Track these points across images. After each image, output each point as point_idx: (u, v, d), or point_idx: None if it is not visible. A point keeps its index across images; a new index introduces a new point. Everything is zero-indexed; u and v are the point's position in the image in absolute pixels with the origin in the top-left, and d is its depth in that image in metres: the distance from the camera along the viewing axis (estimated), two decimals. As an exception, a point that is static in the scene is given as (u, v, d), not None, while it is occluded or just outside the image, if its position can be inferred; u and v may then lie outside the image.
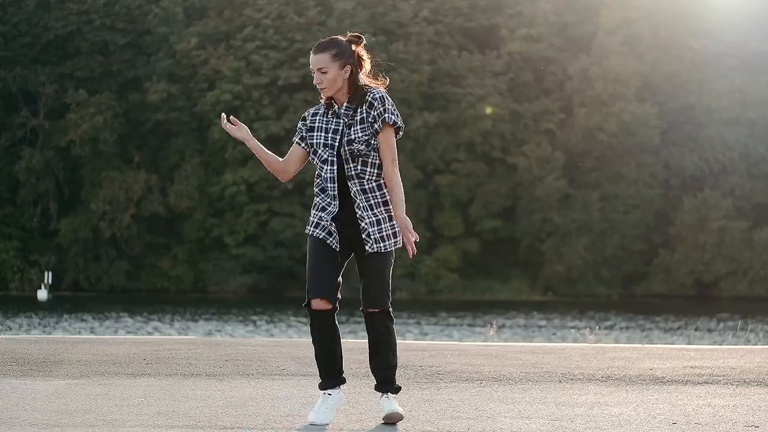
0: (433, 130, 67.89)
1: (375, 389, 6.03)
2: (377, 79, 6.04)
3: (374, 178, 5.90)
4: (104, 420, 6.00)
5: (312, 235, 5.95)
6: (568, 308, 50.30)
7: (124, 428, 5.75)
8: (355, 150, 5.85)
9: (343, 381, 6.06)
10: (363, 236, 5.88)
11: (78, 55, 72.20)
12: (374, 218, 5.89)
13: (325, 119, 5.97)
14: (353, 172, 5.87)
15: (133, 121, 70.71)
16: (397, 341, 6.06)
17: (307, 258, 5.98)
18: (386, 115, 5.87)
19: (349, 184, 5.88)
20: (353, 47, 5.95)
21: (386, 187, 5.95)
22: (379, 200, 5.91)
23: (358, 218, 5.88)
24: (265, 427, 5.84)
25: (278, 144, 68.01)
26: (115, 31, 72.20)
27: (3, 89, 70.87)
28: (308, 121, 6.02)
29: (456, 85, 69.16)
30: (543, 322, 39.79)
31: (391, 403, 5.95)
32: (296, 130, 6.04)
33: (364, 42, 6.01)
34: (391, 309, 5.96)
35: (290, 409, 6.47)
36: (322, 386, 6.02)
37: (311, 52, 5.93)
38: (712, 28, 69.07)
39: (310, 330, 6.06)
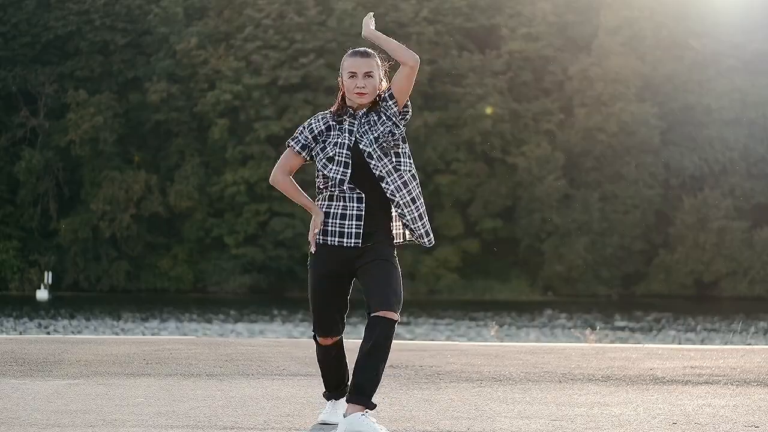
0: (433, 129, 67.86)
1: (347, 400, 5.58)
2: None
3: (408, 168, 5.71)
4: (104, 420, 6.00)
5: (320, 250, 5.70)
6: (568, 308, 50.27)
7: (124, 428, 5.74)
8: (384, 144, 5.65)
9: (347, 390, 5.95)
10: (409, 228, 5.72)
11: (78, 55, 72.20)
12: (416, 213, 5.73)
13: (337, 133, 5.74)
14: (391, 166, 5.65)
15: (133, 121, 70.71)
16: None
17: (309, 287, 5.77)
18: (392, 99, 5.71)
19: (384, 184, 5.65)
20: (380, 63, 5.84)
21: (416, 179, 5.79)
22: (415, 193, 5.72)
23: (399, 214, 5.70)
24: (265, 427, 5.84)
25: (278, 144, 68.06)
26: (115, 31, 72.19)
27: (3, 89, 70.87)
28: (321, 136, 5.77)
29: (456, 85, 69.14)
30: (543, 322, 39.77)
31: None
32: (302, 137, 5.80)
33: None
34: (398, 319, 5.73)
35: (290, 409, 6.47)
36: (327, 396, 6.01)
37: (353, 56, 5.71)
38: (712, 28, 69.05)
39: (316, 353, 5.95)
